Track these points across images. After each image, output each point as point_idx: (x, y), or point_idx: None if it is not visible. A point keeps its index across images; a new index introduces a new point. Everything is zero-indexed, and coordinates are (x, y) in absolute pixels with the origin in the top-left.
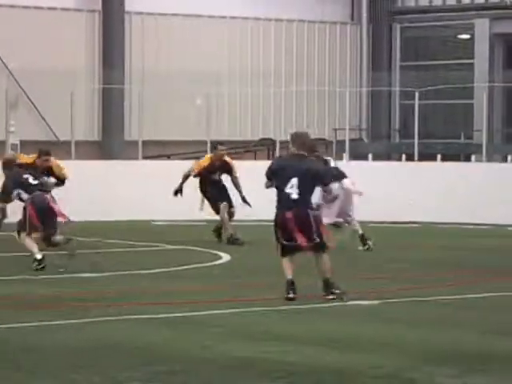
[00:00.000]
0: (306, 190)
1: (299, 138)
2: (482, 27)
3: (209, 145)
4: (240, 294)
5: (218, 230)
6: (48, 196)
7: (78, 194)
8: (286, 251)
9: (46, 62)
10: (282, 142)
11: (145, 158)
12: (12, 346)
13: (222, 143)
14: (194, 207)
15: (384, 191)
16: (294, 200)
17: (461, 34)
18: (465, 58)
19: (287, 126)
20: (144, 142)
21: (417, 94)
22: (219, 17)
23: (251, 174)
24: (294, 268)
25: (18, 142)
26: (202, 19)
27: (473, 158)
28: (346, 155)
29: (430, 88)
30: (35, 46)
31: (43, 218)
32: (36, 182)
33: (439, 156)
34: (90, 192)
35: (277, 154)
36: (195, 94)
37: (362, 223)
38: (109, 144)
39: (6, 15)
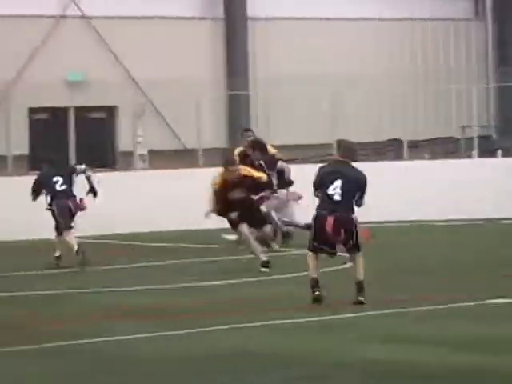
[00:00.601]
0: (348, 195)
1: (345, 144)
2: None
3: (334, 147)
4: (366, 297)
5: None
6: (70, 202)
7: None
8: (317, 250)
9: (171, 72)
10: (409, 142)
11: None
12: (147, 355)
13: (248, 129)
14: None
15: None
16: (337, 201)
17: None
18: None
19: (414, 126)
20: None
21: None
22: (342, 19)
23: (379, 175)
24: (319, 266)
25: (145, 152)
26: (324, 22)
27: None
28: (474, 152)
29: None
30: (160, 55)
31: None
32: (63, 188)
33: None
34: None
35: (404, 154)
36: (320, 97)
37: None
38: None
39: (131, 26)
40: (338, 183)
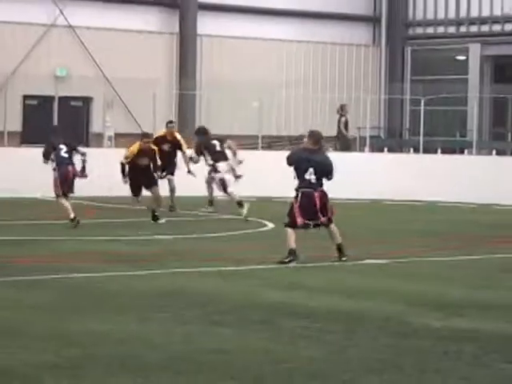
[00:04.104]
0: (321, 177)
1: (315, 136)
2: (475, 50)
3: (260, 138)
4: (277, 253)
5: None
6: (70, 168)
7: None
8: (298, 227)
9: (135, 72)
10: None
11: None
12: (103, 290)
13: (171, 121)
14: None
15: (395, 176)
16: (313, 183)
17: (458, 55)
18: (461, 74)
19: (321, 125)
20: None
21: (423, 102)
22: (271, 39)
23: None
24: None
25: (112, 134)
26: (257, 41)
27: (466, 151)
28: (366, 148)
29: (433, 97)
30: (127, 59)
31: (65, 186)
32: (66, 156)
33: (439, 150)
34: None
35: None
36: (251, 98)
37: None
38: (182, 137)
39: (106, 35)
40: (311, 170)
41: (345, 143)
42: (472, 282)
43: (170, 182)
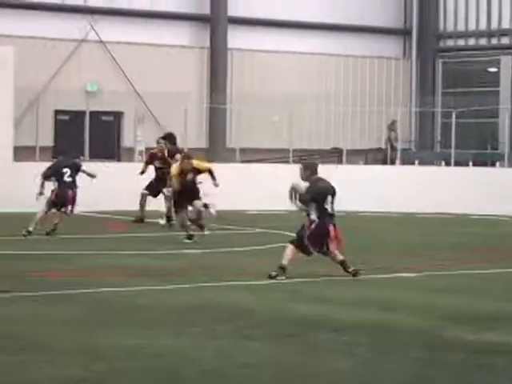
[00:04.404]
0: (333, 205)
1: (313, 166)
2: (507, 62)
3: (291, 152)
4: (305, 267)
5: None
6: (70, 193)
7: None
8: (306, 251)
9: (166, 86)
10: (348, 151)
11: (242, 161)
12: (132, 305)
13: (164, 138)
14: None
15: (426, 189)
16: (331, 214)
17: (490, 67)
18: (492, 86)
19: (353, 138)
20: (241, 149)
21: (454, 114)
22: (301, 52)
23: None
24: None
25: (143, 149)
26: (287, 54)
27: (497, 164)
28: (397, 161)
29: (464, 109)
30: (158, 73)
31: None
32: (69, 180)
33: (471, 162)
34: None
35: (344, 160)
36: (281, 112)
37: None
38: (214, 150)
39: (137, 50)
40: (329, 199)
41: (392, 156)
42: (504, 295)
43: (167, 197)
